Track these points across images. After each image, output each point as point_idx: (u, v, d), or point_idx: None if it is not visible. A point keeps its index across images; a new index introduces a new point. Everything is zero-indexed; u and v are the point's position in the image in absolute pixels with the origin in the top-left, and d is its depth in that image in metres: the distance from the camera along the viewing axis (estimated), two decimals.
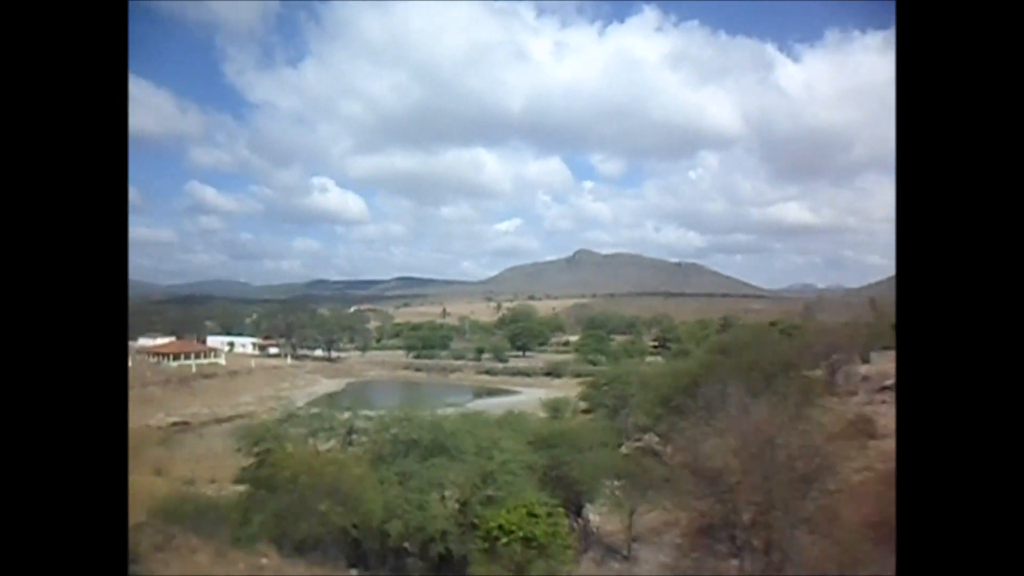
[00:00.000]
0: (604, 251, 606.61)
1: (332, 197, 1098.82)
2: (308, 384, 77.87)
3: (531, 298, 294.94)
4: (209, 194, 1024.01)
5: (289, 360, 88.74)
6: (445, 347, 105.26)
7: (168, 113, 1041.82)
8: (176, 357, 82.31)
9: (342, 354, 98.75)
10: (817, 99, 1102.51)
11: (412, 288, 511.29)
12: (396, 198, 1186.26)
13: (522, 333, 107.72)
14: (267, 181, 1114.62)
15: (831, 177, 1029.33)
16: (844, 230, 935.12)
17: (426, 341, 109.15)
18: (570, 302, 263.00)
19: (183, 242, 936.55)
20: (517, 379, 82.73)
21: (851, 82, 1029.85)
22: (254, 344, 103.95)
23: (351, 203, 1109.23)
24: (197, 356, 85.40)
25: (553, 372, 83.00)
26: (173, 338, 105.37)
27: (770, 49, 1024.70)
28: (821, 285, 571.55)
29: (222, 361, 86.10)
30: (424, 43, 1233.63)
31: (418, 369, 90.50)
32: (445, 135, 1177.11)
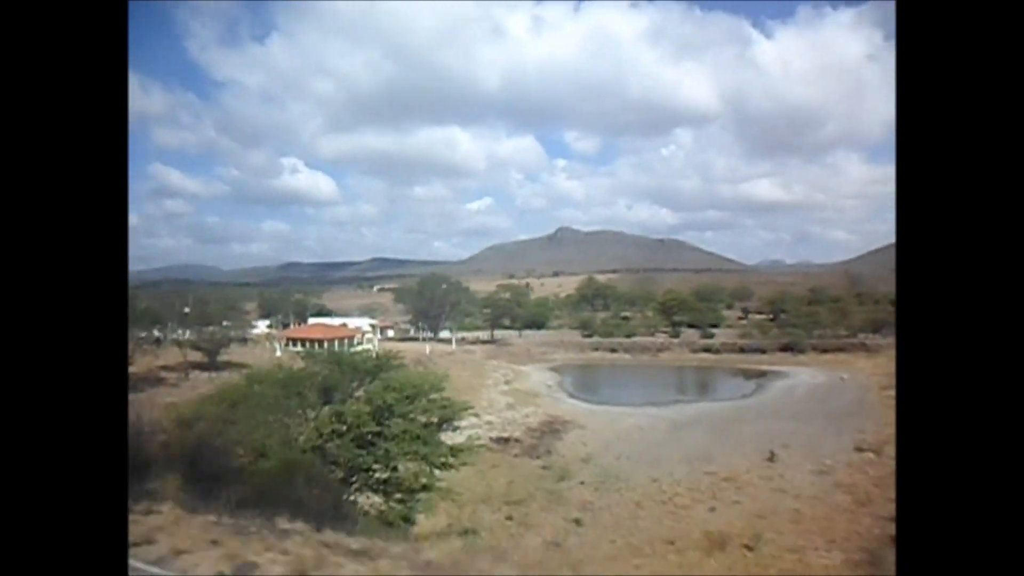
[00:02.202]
0: (585, 229, 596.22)
1: (302, 178, 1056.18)
2: (518, 377, 59.39)
3: (541, 275, 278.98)
4: (174, 176, 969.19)
5: (453, 345, 70.02)
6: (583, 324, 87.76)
7: (129, 91, 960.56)
8: (323, 343, 62.76)
9: (501, 335, 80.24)
10: (790, 76, 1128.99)
11: (390, 269, 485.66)
12: (368, 178, 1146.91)
13: (676, 307, 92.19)
14: (235, 162, 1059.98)
15: (802, 154, 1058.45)
16: (813, 207, 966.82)
17: (535, 316, 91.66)
18: (602, 278, 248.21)
19: (147, 226, 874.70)
20: (748, 357, 67.73)
21: (823, 59, 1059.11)
22: (372, 326, 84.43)
23: (322, 184, 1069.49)
24: (350, 342, 65.96)
25: (794, 347, 68.52)
26: (267, 321, 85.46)
27: (745, 25, 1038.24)
28: (790, 261, 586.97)
29: (374, 347, 66.85)
30: (398, 18, 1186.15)
31: (613, 350, 73.72)
32: (418, 113, 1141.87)
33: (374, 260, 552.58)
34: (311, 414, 16.26)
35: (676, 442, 36.13)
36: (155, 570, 5.90)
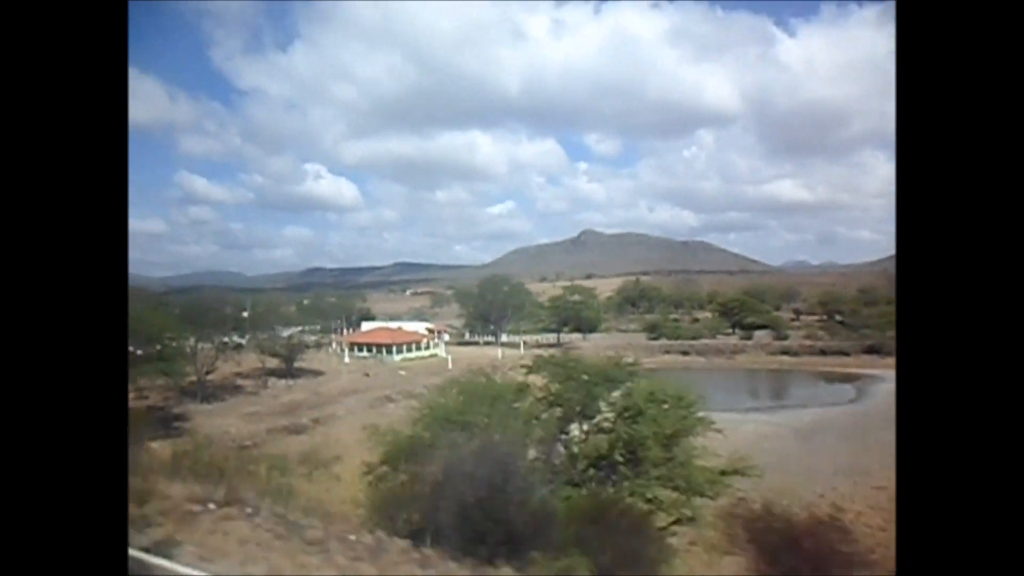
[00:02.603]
0: (609, 231, 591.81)
1: (325, 184, 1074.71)
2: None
3: (573, 278, 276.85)
4: (199, 184, 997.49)
5: (523, 349, 67.43)
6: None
7: (156, 101, 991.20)
8: (391, 348, 60.81)
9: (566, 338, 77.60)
10: (815, 74, 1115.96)
11: (414, 273, 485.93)
12: (389, 183, 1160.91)
13: (738, 308, 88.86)
14: (259, 169, 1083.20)
15: (827, 153, 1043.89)
16: (837, 207, 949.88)
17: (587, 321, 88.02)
18: (634, 280, 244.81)
19: (173, 233, 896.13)
20: (830, 360, 64.44)
21: (848, 56, 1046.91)
22: (430, 330, 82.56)
23: (344, 189, 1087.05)
24: (418, 346, 64.07)
25: (880, 349, 65.03)
26: (298, 328, 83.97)
27: (767, 24, 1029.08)
28: (815, 262, 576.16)
29: (442, 352, 64.83)
30: (419, 23, 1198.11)
31: (685, 352, 70.81)
32: (440, 118, 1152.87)
33: (397, 264, 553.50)
34: (533, 430, 13.89)
35: (813, 452, 33.36)
36: (156, 560, 5.73)
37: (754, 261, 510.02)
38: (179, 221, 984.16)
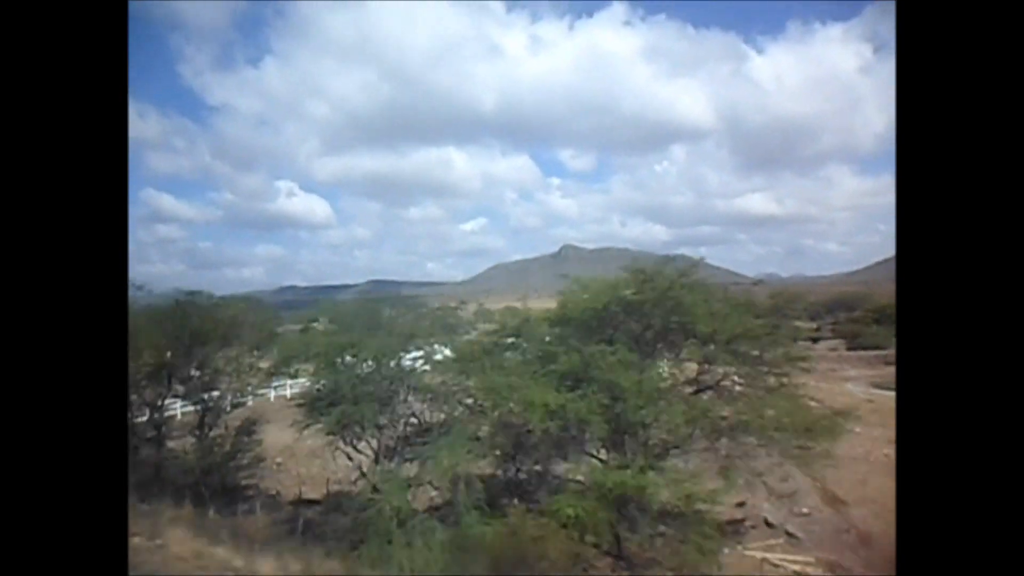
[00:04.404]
0: (589, 246, 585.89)
1: (297, 201, 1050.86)
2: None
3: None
4: (166, 201, 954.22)
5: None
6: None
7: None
8: None
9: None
10: (784, 91, 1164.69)
11: (389, 291, 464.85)
12: (362, 200, 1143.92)
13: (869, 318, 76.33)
14: (229, 186, 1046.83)
15: (795, 167, 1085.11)
16: (805, 220, 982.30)
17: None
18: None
19: (139, 252, 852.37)
20: None
21: (815, 73, 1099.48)
22: None
23: (316, 207, 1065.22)
24: None
25: None
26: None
27: (738, 42, 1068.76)
28: (784, 274, 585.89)
29: None
30: (393, 39, 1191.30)
31: None
32: (414, 134, 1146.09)
33: (370, 283, 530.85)
34: None
35: None
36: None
37: (735, 273, 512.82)
38: (145, 240, 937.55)
